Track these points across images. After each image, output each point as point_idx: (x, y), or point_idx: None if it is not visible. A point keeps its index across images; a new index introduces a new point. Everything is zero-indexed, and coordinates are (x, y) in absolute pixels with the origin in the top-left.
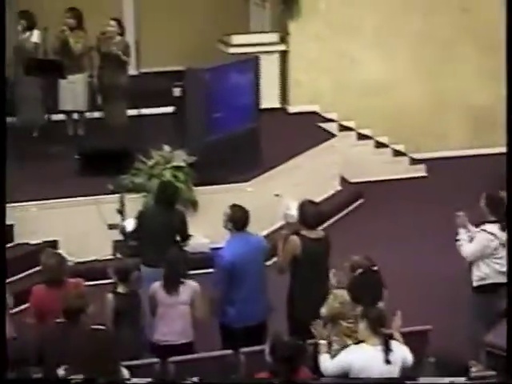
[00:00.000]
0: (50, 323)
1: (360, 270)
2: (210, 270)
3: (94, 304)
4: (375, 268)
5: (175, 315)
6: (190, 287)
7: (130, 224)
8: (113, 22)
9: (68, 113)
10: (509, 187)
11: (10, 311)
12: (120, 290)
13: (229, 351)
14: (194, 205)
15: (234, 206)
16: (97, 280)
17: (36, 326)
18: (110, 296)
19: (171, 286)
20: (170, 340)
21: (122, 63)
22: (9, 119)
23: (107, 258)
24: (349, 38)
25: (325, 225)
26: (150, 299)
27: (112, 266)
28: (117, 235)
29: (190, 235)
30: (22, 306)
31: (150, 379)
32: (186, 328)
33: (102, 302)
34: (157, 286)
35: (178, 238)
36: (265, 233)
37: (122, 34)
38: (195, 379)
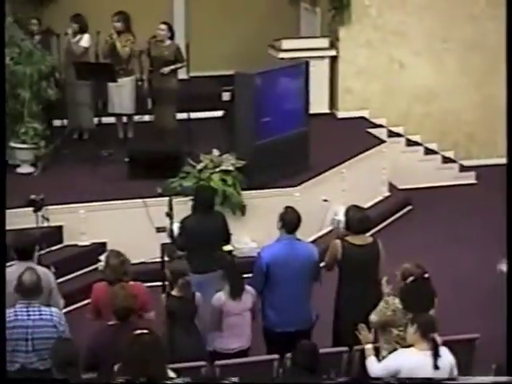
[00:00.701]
0: (103, 325)
1: (411, 278)
2: None
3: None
4: (427, 276)
5: (244, 322)
6: (249, 292)
7: (177, 227)
8: (163, 26)
9: (117, 116)
10: (509, 195)
11: (61, 311)
12: (174, 292)
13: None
14: (242, 209)
15: (287, 208)
16: (143, 282)
17: (93, 322)
18: (163, 297)
19: (237, 292)
20: (240, 347)
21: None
22: (60, 122)
23: (155, 260)
24: (399, 43)
25: (372, 231)
26: (215, 310)
27: (168, 267)
28: (165, 238)
29: (231, 234)
30: (72, 307)
31: (188, 379)
32: (249, 332)
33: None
34: (222, 296)
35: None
36: (312, 238)
37: (172, 37)
38: (234, 379)
